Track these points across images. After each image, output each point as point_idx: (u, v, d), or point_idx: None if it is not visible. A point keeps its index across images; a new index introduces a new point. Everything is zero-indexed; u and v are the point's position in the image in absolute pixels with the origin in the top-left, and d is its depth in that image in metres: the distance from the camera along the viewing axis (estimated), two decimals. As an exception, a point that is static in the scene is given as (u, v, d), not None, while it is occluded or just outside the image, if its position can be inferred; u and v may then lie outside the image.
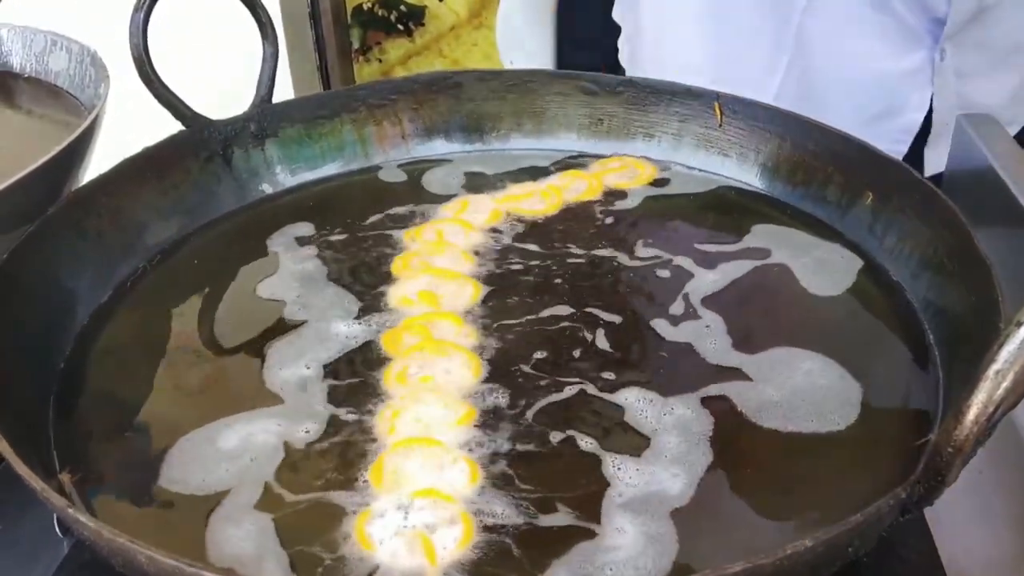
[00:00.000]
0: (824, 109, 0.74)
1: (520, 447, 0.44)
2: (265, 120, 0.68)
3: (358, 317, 0.54)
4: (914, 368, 0.50)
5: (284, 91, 0.70)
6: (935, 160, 0.82)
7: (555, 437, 0.45)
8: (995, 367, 0.29)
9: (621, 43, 1.01)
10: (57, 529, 0.51)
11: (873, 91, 0.83)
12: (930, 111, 0.84)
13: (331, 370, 0.50)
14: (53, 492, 0.36)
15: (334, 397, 0.48)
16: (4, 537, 0.51)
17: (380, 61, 1.92)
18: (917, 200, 0.56)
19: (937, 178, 0.79)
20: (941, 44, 0.81)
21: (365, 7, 1.88)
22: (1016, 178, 0.65)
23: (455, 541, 0.38)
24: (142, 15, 0.59)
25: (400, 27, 1.90)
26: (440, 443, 0.43)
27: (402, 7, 1.89)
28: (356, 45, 1.91)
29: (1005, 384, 0.29)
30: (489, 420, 0.46)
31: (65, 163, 0.56)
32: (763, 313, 0.56)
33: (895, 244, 0.57)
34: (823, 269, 0.58)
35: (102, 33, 0.71)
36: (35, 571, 0.48)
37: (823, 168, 0.63)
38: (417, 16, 1.89)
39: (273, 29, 0.67)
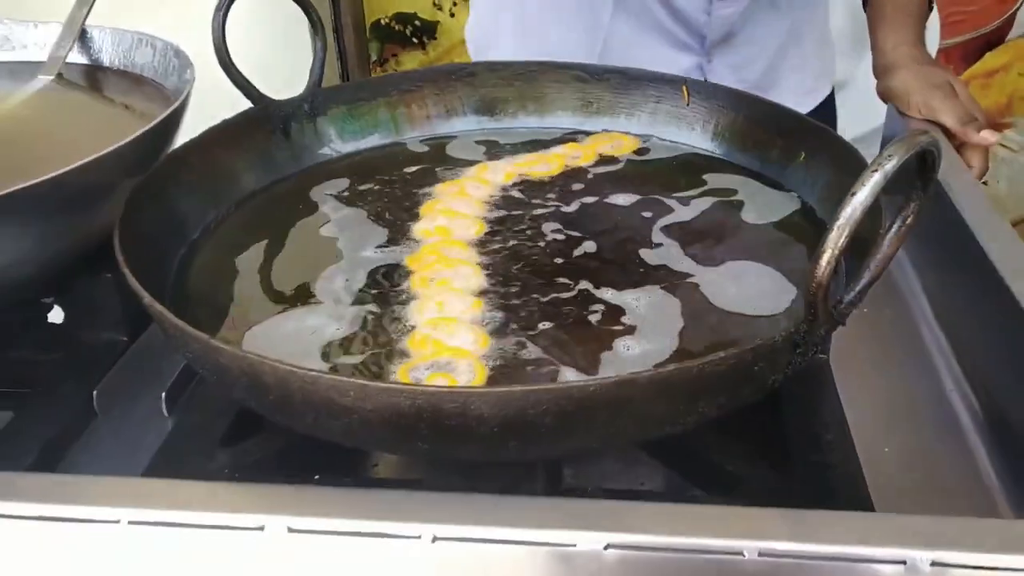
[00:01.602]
0: None
1: (521, 324, 0.59)
2: (316, 101, 0.82)
3: (388, 245, 0.69)
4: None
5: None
6: None
7: (552, 320, 0.59)
8: (838, 223, 0.43)
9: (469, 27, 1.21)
10: (164, 409, 0.65)
11: None
12: None
13: (370, 281, 0.64)
14: (179, 320, 0.50)
15: (372, 298, 0.62)
16: (120, 421, 0.65)
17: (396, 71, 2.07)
18: (837, 157, 0.71)
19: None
20: (708, 51, 1.04)
21: (383, 22, 2.01)
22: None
23: (471, 379, 0.53)
24: (222, 13, 0.74)
25: (415, 40, 2.04)
26: (456, 319, 0.58)
27: (416, 22, 2.01)
28: (374, 57, 2.05)
29: (844, 235, 0.43)
30: (496, 308, 0.60)
31: (163, 130, 0.71)
32: (722, 237, 0.70)
33: (822, 191, 0.72)
34: (769, 208, 0.73)
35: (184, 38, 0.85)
36: (145, 446, 0.60)
37: (768, 135, 0.78)
38: (430, 30, 2.02)
39: (323, 28, 0.82)
